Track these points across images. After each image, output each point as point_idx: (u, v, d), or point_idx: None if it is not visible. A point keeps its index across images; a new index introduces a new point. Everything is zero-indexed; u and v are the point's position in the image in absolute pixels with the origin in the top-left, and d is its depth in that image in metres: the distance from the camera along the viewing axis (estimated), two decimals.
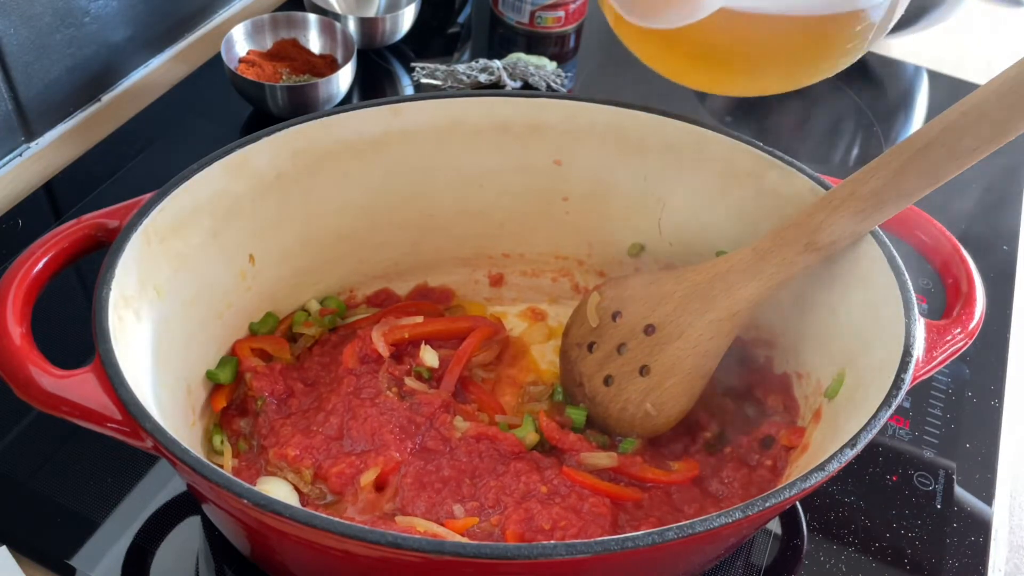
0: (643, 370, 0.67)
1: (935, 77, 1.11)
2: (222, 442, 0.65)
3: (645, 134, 0.70)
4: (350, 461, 0.62)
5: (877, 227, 0.61)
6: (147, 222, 0.58)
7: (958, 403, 0.76)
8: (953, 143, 0.55)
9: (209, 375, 0.66)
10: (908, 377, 0.54)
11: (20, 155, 0.89)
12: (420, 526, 0.58)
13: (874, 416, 0.52)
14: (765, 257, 0.63)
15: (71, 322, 0.74)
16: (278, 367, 0.68)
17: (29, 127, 0.89)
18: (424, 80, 1.01)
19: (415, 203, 0.74)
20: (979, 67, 1.13)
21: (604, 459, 0.64)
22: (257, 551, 0.57)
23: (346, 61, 0.94)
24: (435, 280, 0.78)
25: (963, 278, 0.63)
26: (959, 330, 0.60)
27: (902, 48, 1.14)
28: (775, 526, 0.67)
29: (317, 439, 0.63)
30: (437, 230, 0.76)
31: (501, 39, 1.10)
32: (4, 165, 0.88)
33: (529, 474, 0.62)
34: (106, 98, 0.96)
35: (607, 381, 0.69)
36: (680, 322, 0.66)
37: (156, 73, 1.00)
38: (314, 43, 0.98)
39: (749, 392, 0.70)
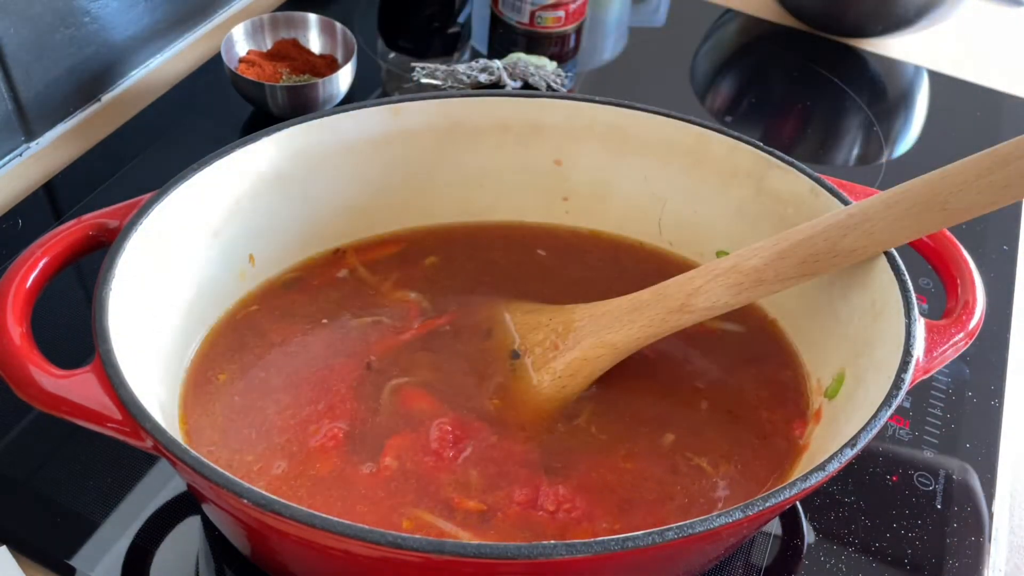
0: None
1: (935, 77, 1.11)
2: None
3: (645, 134, 0.70)
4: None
5: None
6: (147, 222, 0.58)
7: (958, 403, 0.76)
8: (834, 240, 0.58)
9: None
10: (908, 377, 0.54)
11: (20, 155, 0.89)
12: (424, 517, 0.58)
13: (874, 416, 0.52)
14: (640, 309, 0.63)
15: (71, 322, 0.73)
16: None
17: (29, 127, 0.89)
18: (424, 80, 1.01)
19: (415, 203, 0.74)
20: (979, 67, 1.12)
21: None
22: (257, 551, 0.57)
23: (346, 61, 0.94)
24: None
25: (963, 278, 0.63)
26: (959, 330, 0.59)
27: (902, 48, 1.14)
28: (775, 526, 0.67)
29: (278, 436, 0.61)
30: (437, 230, 0.75)
31: (501, 39, 1.10)
32: (4, 165, 0.88)
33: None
34: (106, 98, 0.96)
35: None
36: (546, 356, 0.66)
37: (156, 73, 1.00)
38: (314, 43, 0.98)
39: (749, 392, 0.70)
